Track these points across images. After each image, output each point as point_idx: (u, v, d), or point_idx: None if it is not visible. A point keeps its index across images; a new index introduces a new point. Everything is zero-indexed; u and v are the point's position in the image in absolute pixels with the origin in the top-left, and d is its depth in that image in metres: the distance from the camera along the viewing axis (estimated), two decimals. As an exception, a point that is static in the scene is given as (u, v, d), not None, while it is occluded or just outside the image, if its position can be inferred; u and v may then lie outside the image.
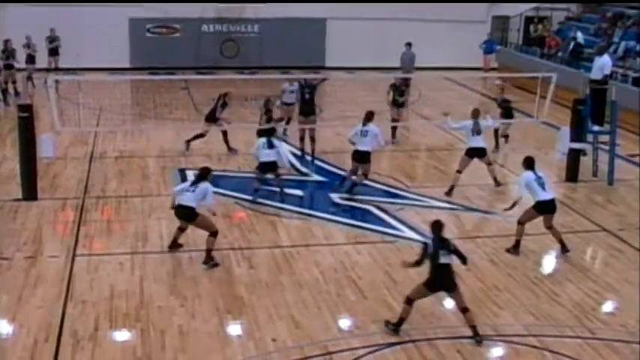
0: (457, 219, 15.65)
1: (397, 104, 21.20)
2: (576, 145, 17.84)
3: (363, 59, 30.88)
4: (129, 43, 31.58)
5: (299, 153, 19.46)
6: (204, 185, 12.87)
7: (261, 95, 25.22)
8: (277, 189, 16.39)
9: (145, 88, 27.75)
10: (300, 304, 11.59)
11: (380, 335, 10.76)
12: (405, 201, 16.49)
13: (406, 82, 25.94)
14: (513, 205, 13.56)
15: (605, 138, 18.34)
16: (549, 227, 13.65)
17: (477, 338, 10.63)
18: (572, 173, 18.05)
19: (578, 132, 17.83)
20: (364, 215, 15.63)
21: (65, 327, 10.74)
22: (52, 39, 27.92)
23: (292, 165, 18.45)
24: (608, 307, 12.04)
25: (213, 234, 12.88)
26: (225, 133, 19.51)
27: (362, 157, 16.42)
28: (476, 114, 17.03)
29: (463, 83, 30.55)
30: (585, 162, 18.29)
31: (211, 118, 19.50)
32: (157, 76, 27.91)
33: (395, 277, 12.53)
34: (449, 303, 11.83)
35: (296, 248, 13.78)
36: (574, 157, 18.01)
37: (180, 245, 13.38)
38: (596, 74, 18.69)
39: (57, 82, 21.00)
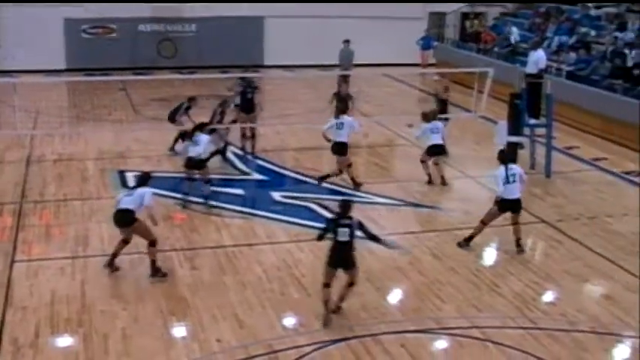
0: (399, 214, 15.77)
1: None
2: (514, 139, 18.06)
3: (301, 57, 30.88)
4: (64, 44, 31.08)
5: (240, 152, 19.40)
6: (143, 189, 12.58)
7: (199, 95, 25.11)
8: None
9: (82, 90, 27.37)
10: (243, 303, 11.55)
11: (324, 332, 10.77)
12: (346, 197, 16.50)
13: (345, 79, 26.05)
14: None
15: (542, 131, 18.64)
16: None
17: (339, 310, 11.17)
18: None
19: (515, 125, 18.04)
20: (306, 213, 15.62)
21: (5, 334, 10.55)
22: None
23: (227, 160, 18.53)
24: (548, 297, 12.24)
25: (152, 243, 12.39)
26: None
27: (340, 149, 16.77)
28: (432, 116, 17.56)
29: (401, 79, 30.74)
30: (523, 155, 18.54)
31: (172, 119, 19.28)
32: (93, 77, 27.60)
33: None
34: (393, 298, 11.97)
35: (238, 248, 13.72)
36: (512, 150, 18.22)
37: (117, 269, 12.57)
38: (531, 68, 18.97)
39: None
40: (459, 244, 13.85)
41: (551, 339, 10.75)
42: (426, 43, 32.79)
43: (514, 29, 29.35)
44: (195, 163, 15.72)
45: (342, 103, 19.45)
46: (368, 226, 11.12)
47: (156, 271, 12.37)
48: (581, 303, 11.95)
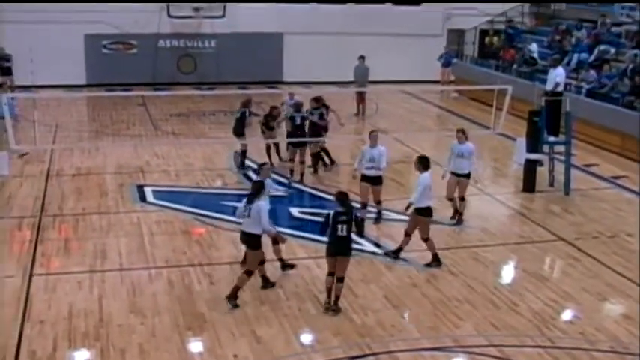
0: (416, 231, 15.70)
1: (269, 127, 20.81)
2: (532, 156, 18.04)
3: (320, 73, 30.95)
4: (84, 60, 31.31)
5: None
6: (258, 204, 11.86)
7: (218, 111, 25.25)
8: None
9: (102, 105, 27.52)
10: (261, 319, 11.54)
11: (342, 349, 10.75)
12: (365, 215, 16.48)
13: (361, 96, 26.14)
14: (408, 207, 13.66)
15: (561, 148, 18.58)
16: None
17: (334, 307, 11.74)
18: (529, 184, 18.23)
19: (534, 143, 18.03)
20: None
21: (23, 348, 10.59)
22: (3, 58, 27.60)
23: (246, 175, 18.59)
24: (566, 315, 12.15)
25: (247, 273, 12.08)
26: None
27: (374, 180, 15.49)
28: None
29: (420, 96, 30.75)
30: (542, 172, 18.49)
31: (239, 133, 19.26)
32: (113, 93, 27.73)
33: (356, 290, 12.54)
34: (410, 315, 11.91)
35: (256, 263, 13.72)
36: (530, 167, 18.19)
37: (273, 284, 12.66)
38: (550, 86, 18.95)
39: (12, 99, 20.78)
40: (429, 265, 13.64)
41: (569, 358, 10.67)
42: (446, 60, 32.80)
43: (534, 45, 29.31)
44: None
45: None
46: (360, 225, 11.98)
47: (233, 297, 11.95)
48: (600, 322, 11.86)
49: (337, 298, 11.82)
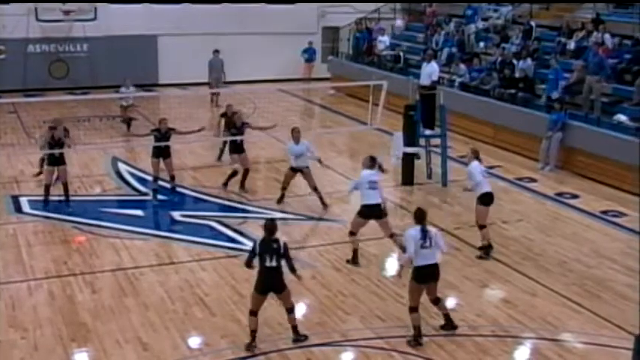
0: (300, 228, 15.81)
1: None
2: (410, 150, 18.39)
3: (196, 75, 30.62)
4: (-51, 67, 30.13)
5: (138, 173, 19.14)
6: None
7: (93, 116, 24.69)
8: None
9: (-30, 114, 26.52)
10: (147, 325, 11.39)
11: (231, 350, 10.73)
12: (247, 214, 16.51)
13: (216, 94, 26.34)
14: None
15: (437, 141, 19.01)
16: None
17: (300, 337, 10.93)
18: (407, 177, 18.59)
19: (410, 136, 18.38)
20: (206, 231, 15.52)
21: None
22: None
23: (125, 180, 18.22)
24: (449, 303, 12.40)
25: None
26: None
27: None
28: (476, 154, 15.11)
29: (297, 94, 30.91)
30: (419, 165, 18.87)
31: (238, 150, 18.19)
32: (-19, 101, 26.72)
33: (242, 291, 12.51)
34: (297, 312, 11.93)
35: (139, 269, 13.53)
36: (408, 161, 18.54)
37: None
38: (425, 80, 19.34)
39: None
40: (348, 262, 13.87)
41: (454, 344, 10.95)
42: (309, 55, 33.10)
43: (385, 37, 30.24)
44: None
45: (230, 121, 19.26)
46: (290, 255, 10.84)
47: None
48: (481, 307, 12.22)
49: (295, 327, 10.99)
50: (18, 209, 16.67)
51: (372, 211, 13.67)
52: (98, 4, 30.53)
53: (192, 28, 31.51)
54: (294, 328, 10.98)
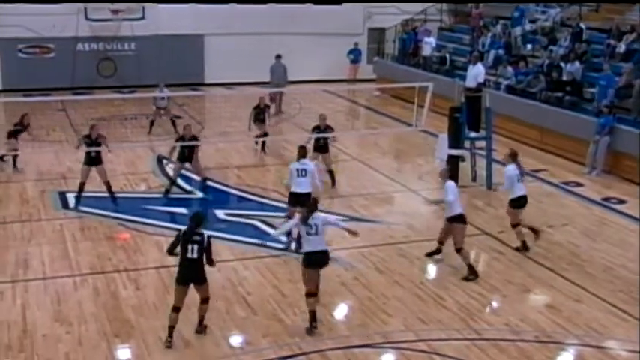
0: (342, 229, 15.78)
1: (260, 120, 21.08)
2: (454, 152, 18.27)
3: (241, 74, 30.79)
4: (0, 65, 30.59)
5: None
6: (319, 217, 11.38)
7: (140, 114, 24.94)
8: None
9: (20, 111, 26.84)
10: (188, 323, 11.43)
11: (272, 349, 10.75)
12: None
13: (278, 96, 26.17)
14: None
15: (482, 144, 18.88)
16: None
17: (202, 328, 11.10)
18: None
19: (455, 139, 18.27)
20: (250, 230, 15.57)
21: (-56, 362, 10.33)
22: None
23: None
24: (492, 307, 12.36)
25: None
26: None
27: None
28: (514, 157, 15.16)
29: (342, 95, 30.91)
30: (464, 168, 18.76)
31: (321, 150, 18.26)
32: (31, 98, 27.07)
33: (284, 290, 12.55)
34: (339, 313, 11.97)
35: (183, 267, 13.60)
36: (453, 163, 18.42)
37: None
38: (470, 82, 19.24)
39: None
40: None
41: (496, 349, 10.87)
42: (355, 57, 33.08)
43: (430, 39, 30.10)
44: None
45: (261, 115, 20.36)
46: (211, 250, 10.79)
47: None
48: (524, 312, 12.10)
49: (202, 318, 11.13)
50: (65, 205, 16.89)
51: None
52: (146, 4, 30.83)
53: (238, 28, 31.68)
54: (202, 318, 11.07)
